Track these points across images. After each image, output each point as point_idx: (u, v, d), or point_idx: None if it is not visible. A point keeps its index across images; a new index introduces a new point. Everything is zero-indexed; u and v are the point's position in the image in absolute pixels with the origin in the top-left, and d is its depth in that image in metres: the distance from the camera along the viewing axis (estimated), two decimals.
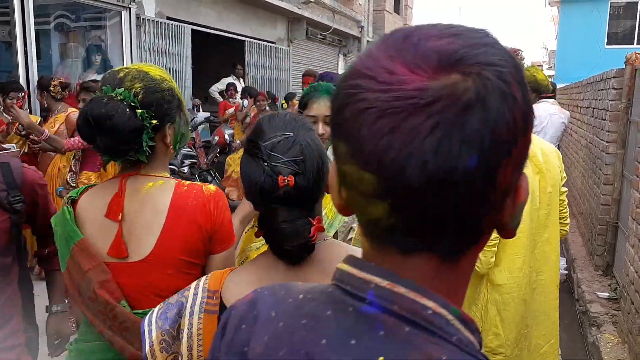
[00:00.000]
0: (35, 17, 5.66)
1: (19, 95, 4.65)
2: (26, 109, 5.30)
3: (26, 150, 4.41)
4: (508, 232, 0.51)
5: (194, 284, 1.07)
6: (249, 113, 7.24)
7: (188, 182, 1.38)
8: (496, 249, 1.84)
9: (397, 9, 19.66)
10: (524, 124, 0.46)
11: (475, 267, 1.61)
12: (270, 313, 0.58)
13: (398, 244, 0.50)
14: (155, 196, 1.32)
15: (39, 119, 5.01)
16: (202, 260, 1.34)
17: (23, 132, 4.35)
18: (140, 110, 1.27)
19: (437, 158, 0.43)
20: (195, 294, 1.04)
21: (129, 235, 1.30)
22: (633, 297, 3.21)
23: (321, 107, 1.92)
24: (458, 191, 0.45)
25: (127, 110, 1.25)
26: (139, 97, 1.28)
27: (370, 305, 0.50)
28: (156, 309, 1.07)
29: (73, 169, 3.78)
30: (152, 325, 1.04)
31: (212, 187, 1.36)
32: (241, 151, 4.87)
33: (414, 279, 0.49)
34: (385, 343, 0.48)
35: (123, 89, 1.27)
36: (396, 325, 0.49)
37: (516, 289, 1.85)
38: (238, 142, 7.27)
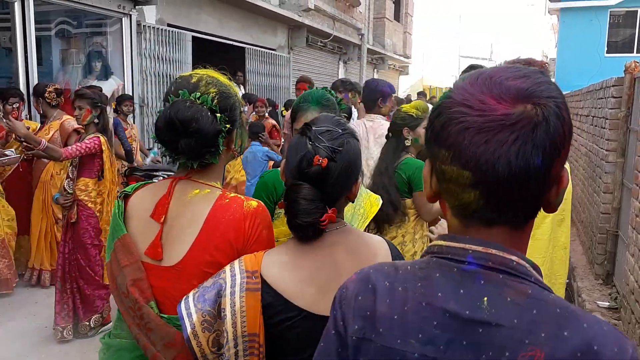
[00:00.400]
0: (36, 24, 5.67)
1: (14, 106, 4.66)
2: (26, 116, 5.31)
3: (25, 157, 4.42)
4: (553, 208, 0.76)
5: (227, 267, 1.16)
6: (248, 119, 7.25)
7: (233, 194, 1.35)
8: None
9: (397, 17, 19.74)
10: (569, 135, 0.72)
11: None
12: (385, 283, 0.80)
13: (482, 219, 0.75)
14: (197, 205, 1.32)
15: (38, 125, 5.02)
16: None
17: (22, 139, 4.36)
18: (219, 115, 1.32)
19: (518, 159, 0.69)
20: (233, 275, 1.13)
21: (167, 238, 1.31)
22: (633, 307, 3.19)
23: (308, 120, 1.84)
24: (530, 181, 0.70)
25: (209, 114, 1.30)
26: (215, 101, 1.32)
27: (470, 264, 0.74)
28: (191, 295, 1.14)
29: (70, 176, 3.76)
30: (191, 308, 1.12)
31: (253, 204, 1.33)
32: (240, 158, 4.77)
33: (497, 243, 0.74)
34: (487, 287, 0.72)
35: (199, 93, 1.30)
36: (492, 275, 0.73)
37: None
38: (237, 148, 7.25)
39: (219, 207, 1.30)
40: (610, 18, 16.81)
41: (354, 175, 1.21)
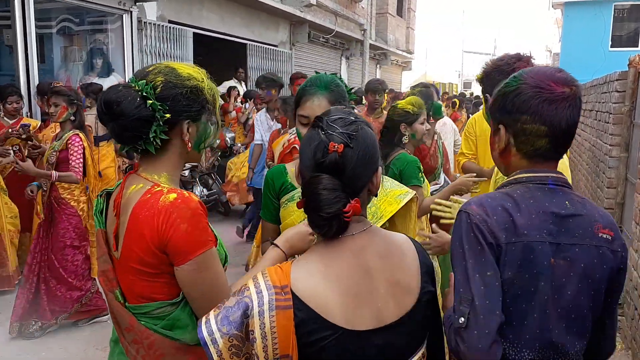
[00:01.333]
0: (37, 21, 5.67)
1: (15, 104, 4.65)
2: (26, 113, 5.31)
3: (27, 154, 4.41)
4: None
5: (251, 283, 1.06)
6: (250, 116, 7.24)
7: (160, 187, 1.31)
8: None
9: (400, 12, 19.65)
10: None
11: None
12: (509, 204, 1.21)
13: (546, 157, 1.26)
14: (130, 201, 1.33)
15: (39, 123, 5.02)
16: (162, 269, 1.30)
17: (24, 136, 4.35)
18: (151, 101, 1.30)
19: (571, 118, 1.22)
20: (259, 292, 1.03)
21: (120, 233, 1.36)
22: (637, 302, 3.16)
23: (315, 106, 1.71)
24: (574, 130, 1.25)
25: (138, 99, 1.30)
26: (157, 90, 1.32)
27: (551, 185, 1.25)
28: (212, 317, 1.04)
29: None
30: (215, 334, 1.02)
31: (171, 197, 1.27)
32: (242, 155, 4.73)
33: (555, 170, 1.28)
34: (565, 196, 1.24)
35: (145, 81, 1.32)
36: (563, 189, 1.25)
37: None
38: (239, 145, 7.26)
39: (140, 203, 1.30)
40: (614, 12, 16.69)
41: (373, 163, 1.12)
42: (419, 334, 1.15)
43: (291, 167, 1.85)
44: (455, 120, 8.60)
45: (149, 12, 7.30)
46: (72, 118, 3.75)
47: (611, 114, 4.67)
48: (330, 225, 1.05)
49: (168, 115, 1.32)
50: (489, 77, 2.01)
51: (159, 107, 1.31)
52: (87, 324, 3.92)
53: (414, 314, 1.11)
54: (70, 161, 3.68)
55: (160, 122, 1.31)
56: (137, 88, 1.31)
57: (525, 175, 1.26)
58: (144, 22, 7.11)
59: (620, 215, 4.54)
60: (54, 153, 3.70)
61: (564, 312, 1.19)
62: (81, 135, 3.73)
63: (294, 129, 4.18)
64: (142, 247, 1.28)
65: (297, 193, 1.76)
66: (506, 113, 1.26)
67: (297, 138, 4.06)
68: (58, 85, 4.71)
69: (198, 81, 1.38)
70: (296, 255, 1.62)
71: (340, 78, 1.86)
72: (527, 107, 1.21)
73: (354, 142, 1.08)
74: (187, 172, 6.47)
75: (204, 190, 6.69)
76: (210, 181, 6.92)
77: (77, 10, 6.91)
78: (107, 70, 6.94)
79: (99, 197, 1.47)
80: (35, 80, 5.59)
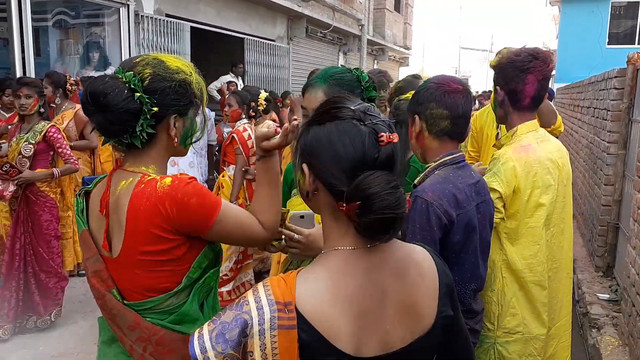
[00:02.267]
0: (33, 14, 5.62)
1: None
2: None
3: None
4: None
5: (250, 296, 0.94)
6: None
7: (150, 177, 1.30)
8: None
9: (397, 8, 19.61)
10: None
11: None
12: (451, 186, 1.60)
13: (450, 137, 1.69)
14: (123, 196, 1.30)
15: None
16: (174, 253, 1.30)
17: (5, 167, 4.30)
18: (139, 94, 1.27)
19: (465, 105, 1.68)
20: (260, 308, 0.91)
21: (112, 232, 1.34)
22: (634, 299, 3.18)
23: (311, 98, 1.65)
24: (469, 116, 1.73)
25: (125, 91, 1.26)
26: (145, 82, 1.29)
27: (463, 162, 1.70)
28: (205, 331, 0.93)
29: (18, 165, 3.64)
30: (209, 352, 0.91)
31: (167, 181, 1.27)
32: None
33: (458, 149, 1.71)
34: (469, 167, 1.74)
35: (132, 72, 1.29)
36: (466, 163, 1.74)
37: (530, 274, 1.97)
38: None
39: (136, 194, 1.28)
40: (611, 9, 16.71)
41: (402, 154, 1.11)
42: None
43: None
44: None
45: (146, 6, 7.26)
46: (42, 110, 3.73)
47: (609, 111, 4.68)
48: (398, 227, 0.92)
49: (155, 109, 1.29)
50: (502, 70, 2.01)
51: (147, 100, 1.28)
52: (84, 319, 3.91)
53: (426, 340, 1.00)
54: (61, 153, 3.75)
55: (148, 116, 1.29)
56: (124, 80, 1.28)
57: (448, 158, 1.66)
58: (141, 16, 7.07)
59: (618, 212, 4.56)
60: (30, 146, 3.63)
61: (482, 250, 1.69)
62: (57, 126, 3.77)
63: (242, 121, 4.23)
64: (149, 238, 1.26)
65: None
66: (419, 105, 1.69)
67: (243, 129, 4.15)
68: (70, 78, 4.75)
69: (186, 75, 1.36)
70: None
71: (357, 71, 1.72)
72: (433, 97, 1.65)
73: (398, 129, 1.01)
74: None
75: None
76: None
77: (74, 3, 6.86)
78: (104, 64, 6.90)
79: (77, 197, 1.44)
80: (32, 73, 5.55)
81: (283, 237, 1.49)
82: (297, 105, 1.51)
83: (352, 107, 0.97)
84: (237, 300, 0.95)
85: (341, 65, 1.80)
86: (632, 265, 3.31)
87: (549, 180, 1.97)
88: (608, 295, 4.15)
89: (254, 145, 1.43)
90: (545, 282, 1.98)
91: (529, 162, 1.93)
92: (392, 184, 0.91)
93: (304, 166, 0.99)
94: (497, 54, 2.06)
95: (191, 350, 0.93)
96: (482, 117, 3.44)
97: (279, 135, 1.34)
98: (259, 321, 0.90)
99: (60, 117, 4.62)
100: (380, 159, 0.93)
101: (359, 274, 0.95)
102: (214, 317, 0.96)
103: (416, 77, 3.73)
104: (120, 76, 1.29)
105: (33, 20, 5.67)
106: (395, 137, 0.94)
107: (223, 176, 4.49)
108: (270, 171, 1.39)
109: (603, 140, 4.89)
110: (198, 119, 1.43)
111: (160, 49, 7.40)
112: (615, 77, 4.54)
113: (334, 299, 0.93)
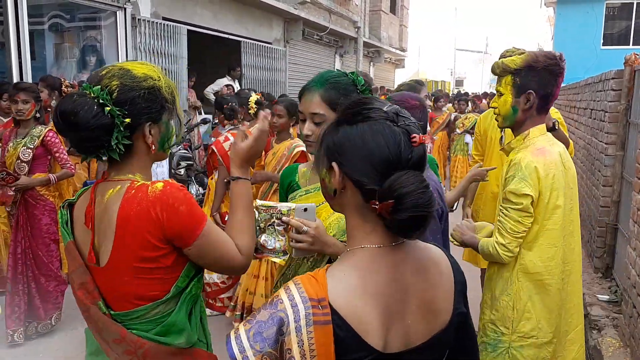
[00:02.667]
0: (29, 17, 5.60)
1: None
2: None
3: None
4: None
5: (283, 294, 0.95)
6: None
7: (140, 183, 1.31)
8: (522, 240, 1.96)
9: (393, 10, 19.65)
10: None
11: (503, 256, 1.96)
12: (434, 185, 1.78)
13: None
14: (112, 205, 1.30)
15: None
16: (162, 262, 1.29)
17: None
18: (109, 108, 1.26)
19: (422, 118, 2.10)
20: (295, 306, 0.93)
21: (98, 242, 1.33)
22: (635, 300, 3.18)
23: (307, 102, 1.66)
24: (426, 127, 2.29)
25: (95, 107, 1.25)
26: (114, 94, 1.27)
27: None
28: (242, 331, 0.94)
29: (17, 171, 3.64)
30: (247, 351, 0.92)
31: (158, 186, 1.27)
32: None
33: None
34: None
35: (99, 86, 1.28)
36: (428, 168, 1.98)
37: (548, 277, 1.97)
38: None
39: (126, 201, 1.27)
40: (606, 10, 16.80)
41: None
42: (442, 356, 1.08)
43: (302, 168, 1.86)
44: (430, 120, 8.35)
45: (143, 9, 7.24)
46: (38, 115, 3.73)
47: (607, 112, 4.69)
48: (427, 224, 0.95)
49: (128, 120, 1.28)
50: (538, 74, 1.96)
51: (118, 112, 1.26)
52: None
53: (443, 336, 1.04)
54: (58, 157, 3.75)
55: (121, 128, 1.27)
56: (92, 95, 1.27)
57: None
58: (138, 19, 7.05)
59: (616, 214, 4.57)
60: (28, 150, 3.64)
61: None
62: (54, 130, 3.74)
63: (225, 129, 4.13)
64: (140, 243, 1.26)
65: (300, 193, 1.75)
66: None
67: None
68: (65, 81, 4.74)
69: (155, 80, 1.34)
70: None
71: (353, 75, 1.71)
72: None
73: (423, 131, 1.04)
74: (182, 171, 6.43)
75: (200, 188, 6.67)
76: (206, 179, 6.88)
77: (69, 6, 6.83)
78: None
79: (62, 209, 1.43)
80: (28, 77, 5.53)
81: (285, 239, 1.50)
82: (262, 118, 1.50)
83: (384, 109, 1.00)
84: (270, 299, 0.97)
85: (337, 69, 1.83)
86: (632, 267, 3.32)
87: (562, 182, 1.97)
88: (608, 297, 4.15)
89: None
90: (560, 284, 1.99)
91: (547, 165, 1.94)
92: (425, 184, 0.94)
93: (334, 164, 1.00)
94: (505, 57, 2.01)
95: (229, 350, 0.94)
96: (486, 120, 3.43)
97: (250, 137, 1.39)
98: (294, 318, 0.92)
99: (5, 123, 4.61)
100: (413, 159, 0.96)
101: (385, 271, 0.98)
102: (249, 317, 0.96)
103: (419, 83, 3.73)
104: (88, 92, 1.28)
105: (29, 23, 5.64)
106: (426, 139, 0.97)
107: (212, 179, 4.47)
108: (244, 196, 1.41)
109: (601, 141, 4.90)
110: (173, 122, 1.42)
111: (157, 52, 7.39)
112: (613, 78, 4.56)
113: (363, 295, 0.96)
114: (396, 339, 0.98)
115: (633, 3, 16.52)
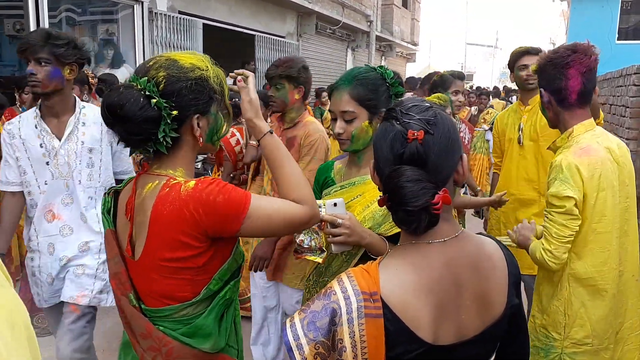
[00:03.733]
0: (48, 10, 5.63)
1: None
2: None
3: None
4: None
5: (336, 285, 0.99)
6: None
7: (175, 181, 1.27)
8: (569, 245, 1.89)
9: (405, 4, 19.54)
10: None
11: (550, 263, 1.86)
12: None
13: None
14: (148, 199, 1.28)
15: None
16: (194, 262, 1.27)
17: None
18: (155, 100, 1.23)
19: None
20: (347, 298, 0.96)
21: (136, 235, 1.33)
22: None
23: (337, 100, 1.67)
24: None
25: (142, 99, 1.22)
26: (161, 86, 1.25)
27: None
28: (297, 320, 0.98)
29: None
30: (302, 339, 0.96)
31: (190, 184, 1.24)
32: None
33: None
34: None
35: (146, 78, 1.26)
36: None
37: (601, 282, 1.91)
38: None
39: (160, 198, 1.25)
40: (621, 4, 16.59)
41: (457, 149, 1.04)
42: (495, 347, 1.11)
43: (338, 164, 1.86)
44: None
45: (160, 3, 7.27)
46: None
47: (628, 107, 4.65)
48: (419, 220, 0.96)
49: (175, 112, 1.25)
50: (542, 71, 2.00)
51: (165, 104, 1.24)
52: None
53: (495, 329, 1.06)
54: None
55: (168, 120, 1.25)
56: (139, 87, 1.24)
57: None
58: (155, 13, 7.07)
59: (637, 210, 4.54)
60: None
61: None
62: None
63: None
64: (169, 243, 1.24)
65: (335, 189, 1.76)
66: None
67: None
68: (90, 73, 4.78)
69: (202, 70, 1.31)
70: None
71: (381, 69, 1.73)
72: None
73: (434, 128, 1.00)
74: (199, 164, 6.46)
75: None
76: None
77: (87, 0, 6.87)
78: (118, 61, 6.91)
79: (106, 195, 1.42)
80: None
81: (320, 236, 1.52)
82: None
83: (397, 107, 1.05)
84: (323, 290, 1.01)
85: (366, 65, 1.79)
86: None
87: (612, 181, 1.90)
88: None
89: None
90: (615, 289, 1.93)
91: (592, 165, 1.86)
92: (412, 178, 0.95)
93: (371, 162, 1.09)
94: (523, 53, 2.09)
95: (285, 337, 0.97)
96: (503, 121, 3.38)
97: (250, 90, 1.45)
98: (347, 310, 0.95)
99: None
100: (407, 155, 0.99)
101: (437, 266, 1.01)
102: (304, 307, 1.00)
103: (455, 76, 3.54)
104: (134, 84, 1.26)
105: (49, 17, 5.68)
106: (420, 135, 0.98)
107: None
108: (281, 146, 1.39)
109: (621, 137, 4.86)
110: (222, 114, 1.38)
111: (173, 46, 7.42)
112: (635, 73, 4.52)
113: (416, 290, 0.99)
114: (448, 332, 1.00)
115: None
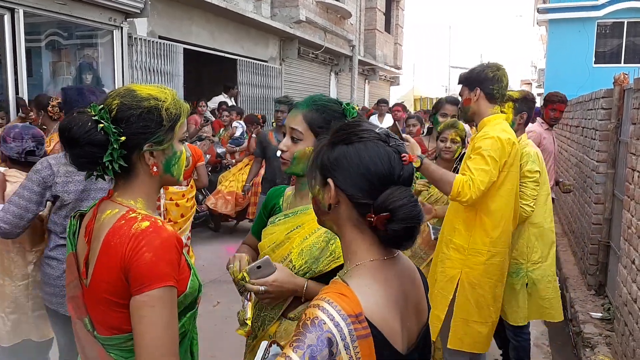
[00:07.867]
0: (26, 35, 5.64)
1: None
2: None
3: None
4: None
5: (321, 314, 0.98)
6: (243, 134, 7.25)
7: (134, 214, 1.27)
8: (535, 199, 2.95)
9: (387, 29, 19.87)
10: None
11: (524, 213, 2.87)
12: None
13: None
14: (104, 227, 1.28)
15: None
16: (129, 299, 1.23)
17: None
18: (102, 125, 1.25)
19: None
20: (337, 324, 0.97)
21: (90, 258, 1.31)
22: (627, 318, 3.19)
23: (290, 117, 1.68)
24: None
25: (89, 123, 1.26)
26: (113, 113, 1.28)
27: None
28: (295, 357, 0.94)
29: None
30: None
31: (143, 225, 1.23)
32: (234, 168, 4.66)
33: None
34: None
35: (102, 105, 1.29)
36: None
37: (545, 223, 3.11)
38: (229, 159, 7.27)
39: (113, 229, 1.25)
40: (597, 29, 17.03)
41: None
42: (428, 344, 1.23)
43: (289, 191, 1.82)
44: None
45: (140, 28, 7.32)
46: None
47: (597, 130, 4.75)
48: (415, 236, 1.05)
49: (123, 138, 1.26)
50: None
51: (114, 130, 1.25)
52: None
53: (427, 332, 1.19)
54: None
55: (115, 146, 1.25)
56: (92, 113, 1.27)
57: None
58: (135, 38, 7.12)
59: (608, 231, 4.59)
60: None
61: None
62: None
63: None
64: (112, 276, 1.22)
65: (279, 217, 1.71)
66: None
67: None
68: (58, 100, 4.70)
69: (158, 101, 1.31)
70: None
71: (348, 105, 1.70)
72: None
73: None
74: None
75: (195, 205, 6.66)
76: (201, 196, 6.88)
77: (66, 25, 6.89)
78: (97, 86, 6.91)
79: (72, 219, 1.42)
80: (24, 94, 5.55)
81: (246, 308, 1.58)
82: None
83: (376, 130, 1.10)
84: (306, 321, 0.98)
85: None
86: (624, 285, 3.33)
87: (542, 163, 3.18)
88: (601, 314, 4.16)
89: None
90: (551, 225, 3.16)
91: (539, 152, 3.18)
92: (414, 198, 1.04)
93: (330, 180, 1.07)
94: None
95: None
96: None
97: None
98: (340, 336, 0.97)
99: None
100: (404, 176, 1.06)
101: (394, 280, 1.09)
102: (294, 341, 0.97)
103: (448, 100, 4.07)
104: (89, 110, 1.29)
105: (26, 41, 5.68)
106: (413, 158, 1.08)
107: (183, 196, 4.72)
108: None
109: (592, 159, 4.95)
110: (182, 146, 1.38)
111: (154, 70, 7.45)
112: (603, 97, 4.62)
113: (388, 305, 1.05)
114: (407, 341, 1.10)
115: (624, 22, 16.76)
